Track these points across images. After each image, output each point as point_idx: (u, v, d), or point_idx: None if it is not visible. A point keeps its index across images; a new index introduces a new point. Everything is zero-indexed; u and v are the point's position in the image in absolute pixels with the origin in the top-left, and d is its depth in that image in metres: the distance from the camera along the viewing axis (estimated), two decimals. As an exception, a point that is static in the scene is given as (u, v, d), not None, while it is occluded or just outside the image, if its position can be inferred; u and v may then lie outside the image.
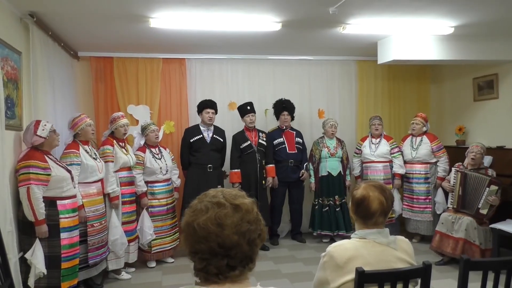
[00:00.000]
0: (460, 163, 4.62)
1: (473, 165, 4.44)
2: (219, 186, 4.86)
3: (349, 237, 1.90)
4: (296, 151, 5.30)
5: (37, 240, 3.13)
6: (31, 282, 3.07)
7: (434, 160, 5.06)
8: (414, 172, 5.12)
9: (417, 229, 5.10)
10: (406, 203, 5.18)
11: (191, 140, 4.83)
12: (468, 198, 4.32)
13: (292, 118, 5.37)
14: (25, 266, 3.17)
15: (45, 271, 3.12)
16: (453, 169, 4.65)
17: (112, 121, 4.28)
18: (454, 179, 4.53)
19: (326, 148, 5.27)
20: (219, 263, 1.13)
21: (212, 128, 4.94)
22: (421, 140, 5.11)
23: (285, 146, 5.26)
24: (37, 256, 3.10)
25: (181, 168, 4.99)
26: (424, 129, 5.15)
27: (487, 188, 4.16)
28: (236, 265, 1.15)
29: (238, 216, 1.15)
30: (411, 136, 5.23)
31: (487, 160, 4.85)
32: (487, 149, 5.03)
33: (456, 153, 5.16)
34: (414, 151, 5.10)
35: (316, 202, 5.32)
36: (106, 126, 4.61)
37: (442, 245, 4.30)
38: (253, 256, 1.19)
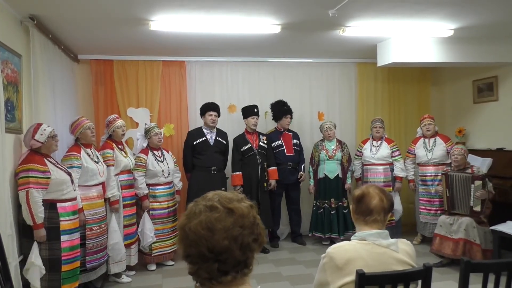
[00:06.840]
0: (448, 168, 4.62)
1: (457, 166, 4.45)
2: (223, 189, 4.87)
3: (342, 241, 1.91)
4: (294, 153, 5.30)
5: (35, 243, 3.13)
6: (38, 284, 3.07)
7: (449, 161, 4.96)
8: (430, 174, 5.02)
9: None
10: (423, 207, 5.04)
11: (194, 143, 4.82)
12: (458, 198, 4.34)
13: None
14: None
15: (44, 270, 3.13)
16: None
17: (108, 124, 4.27)
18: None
19: (324, 151, 5.26)
20: (210, 267, 1.12)
21: (215, 130, 4.95)
22: (435, 141, 5.05)
23: (283, 149, 5.27)
24: (38, 258, 3.11)
25: (184, 171, 4.98)
26: (436, 128, 5.13)
27: (472, 185, 4.18)
28: (228, 270, 1.13)
29: (231, 220, 1.13)
30: (422, 138, 5.15)
31: (487, 162, 4.85)
32: (487, 151, 5.04)
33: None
34: (429, 152, 5.02)
35: (314, 204, 5.34)
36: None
37: (442, 248, 4.30)
38: (248, 261, 1.16)
